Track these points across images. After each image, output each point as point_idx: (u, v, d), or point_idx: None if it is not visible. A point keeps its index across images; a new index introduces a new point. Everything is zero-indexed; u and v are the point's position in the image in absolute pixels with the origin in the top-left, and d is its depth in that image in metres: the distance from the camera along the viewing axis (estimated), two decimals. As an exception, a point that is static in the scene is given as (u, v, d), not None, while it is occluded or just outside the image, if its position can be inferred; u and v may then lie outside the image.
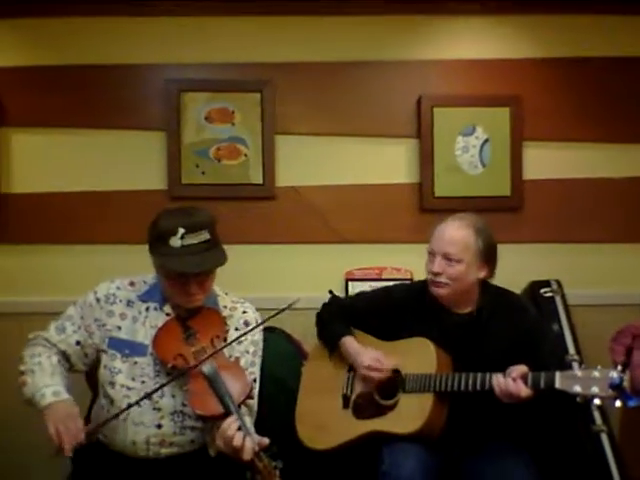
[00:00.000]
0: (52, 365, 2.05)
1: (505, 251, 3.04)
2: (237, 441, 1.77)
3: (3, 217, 2.97)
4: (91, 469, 2.08)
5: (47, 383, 1.99)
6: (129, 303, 2.14)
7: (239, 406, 1.91)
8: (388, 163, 3.08)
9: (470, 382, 2.09)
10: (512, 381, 2.00)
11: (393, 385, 2.22)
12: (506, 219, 3.05)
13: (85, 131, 3.02)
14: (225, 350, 2.05)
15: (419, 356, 2.20)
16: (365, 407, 2.24)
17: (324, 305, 2.49)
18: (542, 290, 2.92)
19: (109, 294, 2.14)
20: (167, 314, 2.12)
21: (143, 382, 2.05)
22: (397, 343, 2.28)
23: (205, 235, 2.03)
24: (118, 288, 2.16)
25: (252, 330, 2.09)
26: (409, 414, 2.14)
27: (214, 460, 1.98)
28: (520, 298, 2.39)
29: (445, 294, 2.22)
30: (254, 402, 2.10)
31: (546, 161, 3.09)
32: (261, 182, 3.02)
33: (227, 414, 1.84)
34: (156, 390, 1.97)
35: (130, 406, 1.96)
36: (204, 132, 3.01)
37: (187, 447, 2.06)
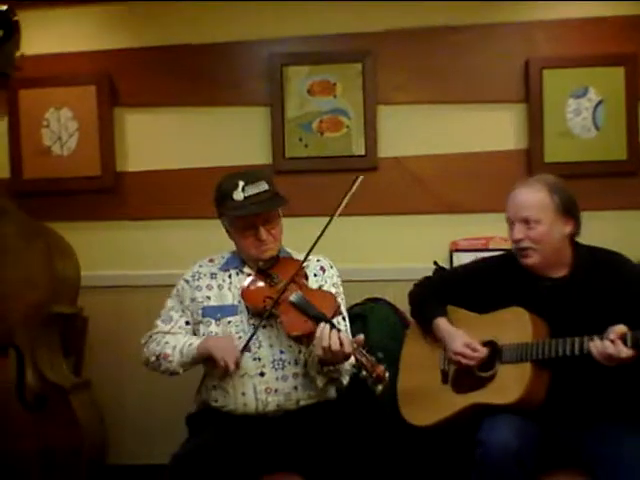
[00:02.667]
0: (179, 336, 2.25)
1: (622, 218, 2.92)
2: (335, 341, 1.94)
3: (120, 194, 3.11)
4: (207, 432, 2.18)
5: (186, 339, 2.22)
6: (212, 275, 2.32)
7: (331, 319, 2.05)
8: (495, 130, 2.99)
9: (568, 347, 2.02)
10: (610, 342, 1.91)
11: (491, 356, 2.19)
12: (623, 184, 2.91)
13: (192, 109, 3.11)
14: (312, 283, 2.26)
15: (514, 326, 2.16)
16: (464, 381, 2.22)
17: (415, 285, 2.48)
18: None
19: (194, 273, 2.33)
20: (248, 274, 2.28)
21: (240, 337, 2.19)
22: (492, 315, 2.24)
23: (264, 185, 2.22)
24: (200, 266, 2.36)
25: (315, 244, 2.24)
26: (508, 384, 2.10)
27: (320, 417, 2.14)
28: (617, 253, 2.24)
29: (535, 261, 2.16)
30: (347, 324, 2.28)
31: (665, 121, 2.91)
32: (363, 153, 3.01)
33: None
34: (257, 327, 2.15)
35: (246, 344, 2.14)
36: (307, 105, 3.02)
37: (292, 395, 2.16)
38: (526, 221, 2.15)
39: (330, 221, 2.26)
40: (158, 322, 2.31)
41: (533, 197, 2.16)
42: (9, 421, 2.54)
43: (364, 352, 1.95)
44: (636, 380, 2.04)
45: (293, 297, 2.12)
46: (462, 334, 2.24)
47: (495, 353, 2.18)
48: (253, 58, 3.05)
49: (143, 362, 2.30)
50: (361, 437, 2.24)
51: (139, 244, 3.11)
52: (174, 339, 2.24)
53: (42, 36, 3.12)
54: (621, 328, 1.94)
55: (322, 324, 2.00)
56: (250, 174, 2.25)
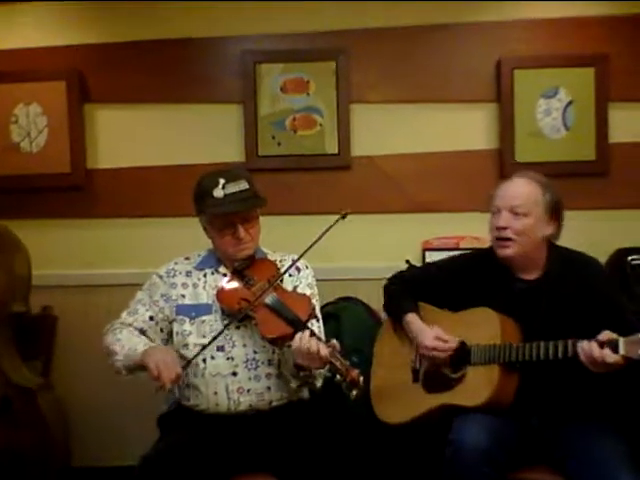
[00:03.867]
0: (134, 333, 2.22)
1: (591, 218, 2.96)
2: (313, 346, 1.94)
3: (90, 192, 3.07)
4: (178, 432, 2.17)
5: (136, 342, 2.17)
6: (188, 273, 2.30)
7: (306, 322, 2.05)
8: (466, 129, 3.01)
9: (550, 351, 2.02)
10: (597, 346, 1.93)
11: (461, 357, 2.20)
12: (591, 184, 2.95)
13: (164, 106, 3.08)
14: (288, 285, 2.25)
15: (483, 326, 2.17)
16: (434, 380, 2.23)
17: (389, 279, 2.48)
18: (630, 257, 2.81)
19: (169, 270, 2.31)
20: (224, 274, 2.27)
21: (256, 324, 2.17)
22: (462, 314, 2.26)
23: (244, 184, 2.20)
24: (176, 263, 2.34)
25: (298, 259, 2.21)
26: (476, 386, 2.11)
27: (293, 417, 2.14)
28: (588, 256, 2.27)
29: (512, 253, 2.17)
30: (320, 326, 2.27)
31: (634, 123, 2.96)
32: (336, 152, 3.01)
33: (296, 332, 2.00)
34: (226, 327, 2.11)
35: (204, 347, 2.10)
36: (280, 103, 3.02)
37: (265, 396, 2.16)
38: (514, 211, 2.15)
39: (311, 246, 2.19)
40: (123, 313, 2.28)
41: (526, 189, 2.18)
42: None
43: (339, 356, 1.94)
44: (605, 380, 2.06)
45: (269, 299, 2.11)
46: (432, 328, 2.24)
47: (464, 354, 2.20)
48: (226, 55, 3.03)
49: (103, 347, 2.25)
50: (334, 437, 2.24)
51: (110, 242, 3.08)
52: (127, 337, 2.18)
53: (11, 30, 3.08)
54: (610, 334, 1.94)
55: (300, 329, 1.99)
56: (231, 172, 2.23)
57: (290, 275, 2.29)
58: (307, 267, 2.34)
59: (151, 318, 2.25)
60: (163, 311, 2.25)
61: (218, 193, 2.17)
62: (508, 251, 2.17)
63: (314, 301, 2.26)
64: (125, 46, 3.06)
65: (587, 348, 1.95)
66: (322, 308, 2.80)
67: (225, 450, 2.10)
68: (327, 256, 2.96)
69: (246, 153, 3.03)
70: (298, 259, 2.20)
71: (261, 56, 3.01)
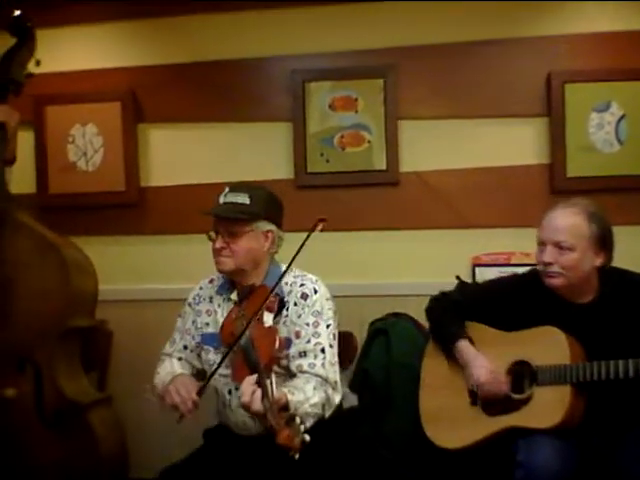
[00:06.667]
0: (172, 364, 2.26)
1: (642, 234, 2.89)
2: (246, 396, 1.80)
3: (143, 209, 3.15)
4: (217, 447, 2.21)
5: (168, 372, 2.20)
6: (211, 299, 2.26)
7: (268, 367, 1.91)
8: (516, 144, 2.98)
9: (621, 369, 1.98)
10: None
11: (521, 377, 2.16)
12: (646, 199, 2.89)
13: (215, 125, 3.14)
14: (267, 317, 2.06)
15: (549, 346, 2.11)
16: (495, 403, 2.17)
17: (433, 300, 2.41)
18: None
19: (195, 296, 2.30)
20: (235, 302, 2.18)
21: (233, 365, 2.10)
22: (521, 333, 2.19)
23: (245, 198, 2.12)
24: (201, 288, 2.31)
25: (280, 279, 2.06)
26: (547, 408, 2.06)
27: (324, 438, 1.97)
28: None
29: (560, 284, 2.12)
30: (325, 358, 2.07)
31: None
32: (384, 168, 3.02)
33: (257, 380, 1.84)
34: (213, 373, 2.04)
35: (208, 380, 2.05)
36: (328, 120, 3.05)
37: None
38: (559, 246, 2.10)
39: (293, 259, 2.06)
40: (167, 343, 2.33)
41: (571, 222, 2.11)
42: (28, 437, 2.52)
43: (276, 414, 1.72)
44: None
45: (243, 341, 1.96)
46: (483, 360, 2.19)
47: (527, 374, 2.15)
48: (276, 74, 3.08)
49: None
50: (368, 457, 2.20)
51: (161, 258, 3.14)
52: (164, 369, 2.24)
53: (67, 53, 3.18)
54: None
55: (249, 378, 1.85)
56: (240, 185, 2.19)
57: (295, 304, 2.13)
58: (317, 291, 2.14)
59: (185, 347, 2.28)
60: (195, 338, 2.26)
61: (220, 199, 2.15)
62: (555, 282, 2.13)
63: (320, 329, 2.10)
64: (177, 67, 3.14)
65: None
66: (371, 324, 2.83)
67: (240, 471, 2.08)
68: (376, 272, 2.99)
69: (295, 170, 3.06)
70: (276, 285, 2.04)
71: (310, 75, 3.05)
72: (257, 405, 1.77)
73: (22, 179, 3.15)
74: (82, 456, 2.53)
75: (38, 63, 2.57)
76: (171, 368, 2.23)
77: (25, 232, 2.60)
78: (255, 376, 1.83)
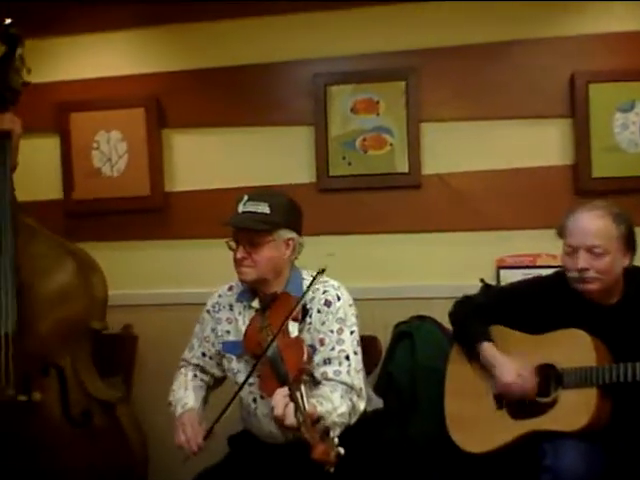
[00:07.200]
0: (186, 381, 2.27)
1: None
2: (278, 409, 1.76)
3: (167, 214, 3.17)
4: (245, 455, 2.22)
5: (181, 396, 2.21)
6: (231, 307, 2.26)
7: (298, 379, 1.87)
8: (540, 145, 2.96)
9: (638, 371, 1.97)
10: None
11: (547, 380, 2.14)
12: (673, 199, 2.85)
13: (237, 129, 3.15)
14: (292, 327, 2.05)
15: (574, 348, 2.10)
16: (521, 406, 2.16)
17: (457, 304, 2.42)
18: None
19: (214, 304, 2.30)
20: (256, 310, 2.17)
21: (259, 376, 2.09)
22: (546, 336, 2.19)
23: (264, 208, 2.10)
24: (220, 296, 2.31)
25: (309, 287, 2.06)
26: (572, 410, 2.05)
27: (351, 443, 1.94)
28: None
29: (596, 289, 2.11)
30: (350, 365, 2.05)
31: None
32: (407, 171, 3.01)
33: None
34: (242, 385, 2.04)
35: (226, 408, 2.00)
36: (350, 124, 3.04)
37: None
38: (592, 251, 2.08)
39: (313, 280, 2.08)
40: (187, 348, 2.34)
41: (602, 225, 2.09)
42: (57, 439, 2.53)
43: (312, 427, 1.69)
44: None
45: (269, 352, 1.94)
46: (509, 362, 2.18)
47: (552, 377, 2.13)
48: (297, 78, 3.09)
49: None
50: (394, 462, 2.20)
51: (186, 262, 3.16)
52: (179, 388, 2.26)
53: (91, 60, 3.22)
54: None
55: (281, 390, 1.82)
56: (260, 194, 2.16)
57: (319, 311, 2.12)
58: (340, 297, 2.14)
59: (203, 354, 2.29)
60: (214, 346, 2.26)
61: (239, 208, 2.13)
62: (591, 287, 2.11)
63: (344, 336, 2.09)
64: (199, 73, 3.16)
65: None
66: (396, 327, 2.83)
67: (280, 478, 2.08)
68: (400, 274, 2.98)
69: (317, 174, 3.07)
70: (302, 297, 2.05)
71: (331, 78, 3.05)
72: (290, 419, 1.74)
73: (48, 185, 3.22)
74: (112, 455, 2.56)
75: (29, 71, 2.56)
76: (184, 391, 2.24)
77: (38, 237, 2.63)
78: (286, 389, 1.80)
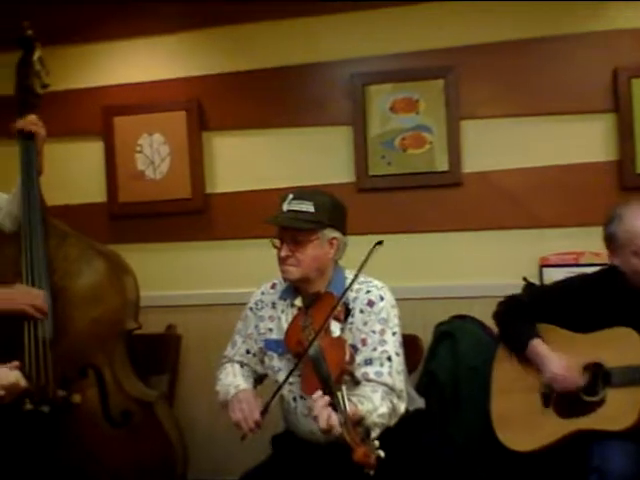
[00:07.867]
0: (234, 370, 2.26)
1: None
2: (322, 422, 1.73)
3: (209, 216, 3.21)
4: (286, 454, 2.22)
5: (231, 381, 2.20)
6: (273, 305, 2.26)
7: (339, 380, 1.86)
8: (583, 141, 2.92)
9: None
10: None
11: (595, 379, 2.12)
12: None
13: (277, 130, 3.18)
14: (335, 327, 2.03)
15: (622, 347, 2.09)
16: (568, 405, 2.15)
17: (501, 304, 2.41)
18: None
19: (257, 301, 2.30)
20: (299, 308, 2.18)
21: (300, 375, 2.09)
22: (594, 335, 2.17)
23: (309, 207, 2.09)
24: (262, 293, 2.31)
25: (346, 290, 2.04)
26: (620, 410, 2.03)
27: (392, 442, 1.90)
28: None
29: None
30: (391, 366, 2.04)
31: None
32: (447, 169, 3.00)
33: (327, 393, 1.79)
34: (282, 384, 2.04)
35: (268, 403, 2.03)
36: (389, 123, 3.04)
37: None
38: None
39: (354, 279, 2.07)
40: (229, 345, 2.34)
41: None
42: (99, 440, 2.54)
43: (351, 429, 1.67)
44: None
45: (311, 351, 1.90)
46: (558, 357, 2.17)
47: (600, 375, 2.11)
48: (336, 78, 3.10)
49: None
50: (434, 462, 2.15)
51: (227, 263, 3.19)
52: (225, 377, 2.25)
53: (134, 65, 3.28)
54: None
55: (319, 392, 1.79)
56: (305, 192, 2.16)
57: (362, 311, 2.11)
58: (383, 298, 2.12)
59: (247, 351, 2.29)
60: (257, 343, 2.26)
61: (283, 207, 2.12)
62: None
63: (386, 336, 2.07)
64: (238, 75, 3.19)
65: None
66: (437, 327, 2.82)
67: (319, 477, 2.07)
68: (441, 274, 2.96)
69: (357, 173, 3.07)
70: (343, 294, 2.03)
71: (370, 78, 3.05)
72: (337, 430, 1.71)
73: (93, 189, 3.29)
74: (154, 454, 2.57)
75: (47, 73, 2.56)
76: (233, 377, 2.23)
77: (69, 240, 2.62)
78: (327, 398, 1.77)
